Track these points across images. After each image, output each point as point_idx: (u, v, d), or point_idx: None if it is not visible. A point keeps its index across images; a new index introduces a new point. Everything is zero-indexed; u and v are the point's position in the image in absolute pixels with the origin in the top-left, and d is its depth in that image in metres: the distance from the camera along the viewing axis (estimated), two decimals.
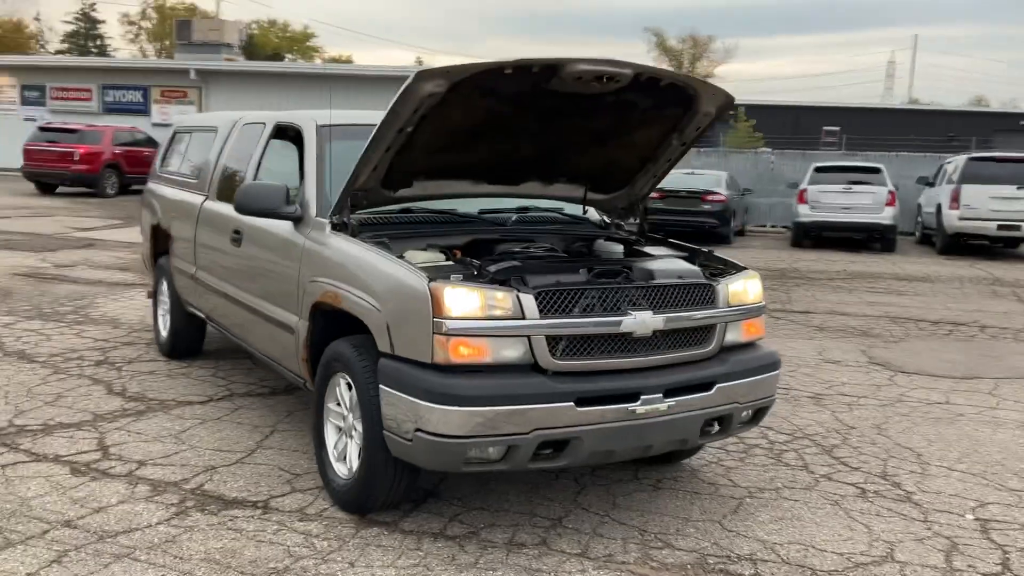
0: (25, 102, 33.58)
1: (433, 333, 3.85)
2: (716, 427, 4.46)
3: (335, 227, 4.67)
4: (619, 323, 4.07)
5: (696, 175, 20.80)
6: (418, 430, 3.84)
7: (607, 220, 5.62)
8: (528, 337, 3.92)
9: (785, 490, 5.00)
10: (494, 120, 4.54)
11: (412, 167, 4.66)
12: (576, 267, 4.23)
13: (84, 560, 3.86)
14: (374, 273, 4.21)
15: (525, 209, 5.37)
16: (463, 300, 3.86)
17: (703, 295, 4.40)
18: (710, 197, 19.73)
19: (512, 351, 3.92)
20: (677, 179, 20.27)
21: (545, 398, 3.88)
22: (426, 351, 3.87)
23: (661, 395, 4.11)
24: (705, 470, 5.28)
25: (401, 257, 4.27)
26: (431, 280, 3.89)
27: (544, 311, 3.94)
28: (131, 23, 75.15)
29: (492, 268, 4.13)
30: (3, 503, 4.42)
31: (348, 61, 67.99)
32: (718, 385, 4.32)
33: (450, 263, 4.31)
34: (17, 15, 72.56)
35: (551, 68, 4.17)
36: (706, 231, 19.35)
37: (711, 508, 4.70)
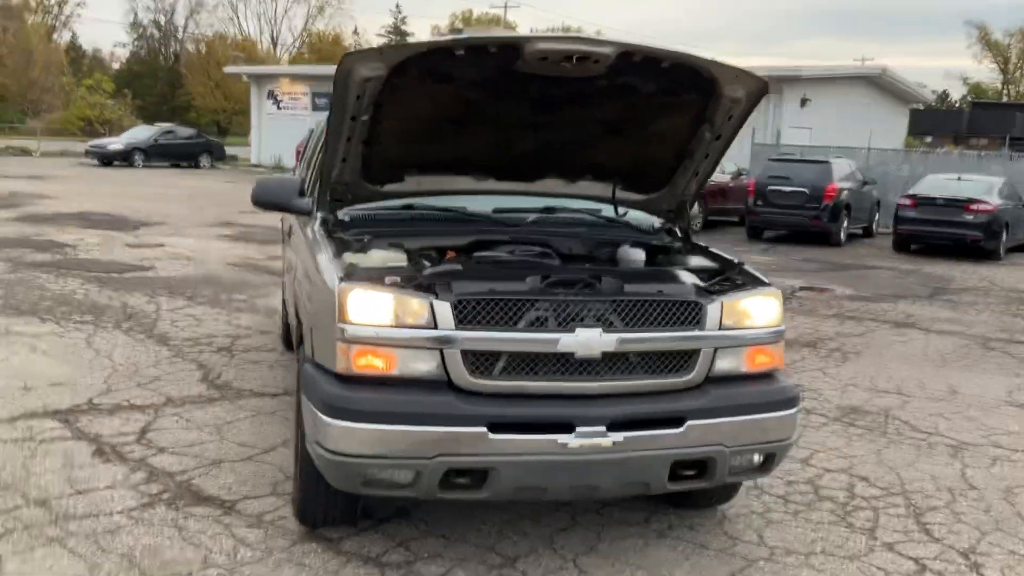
0: (316, 108, 36.67)
1: (336, 339, 3.52)
2: (693, 472, 3.73)
3: (323, 222, 4.46)
4: (555, 341, 3.51)
5: (964, 181, 18.48)
6: (318, 444, 3.53)
7: (656, 224, 4.96)
8: (440, 350, 3.48)
9: (818, 556, 4.13)
10: (472, 108, 4.12)
11: (394, 160, 4.34)
12: (528, 274, 3.70)
13: (18, 540, 3.92)
14: (312, 271, 3.96)
15: (552, 209, 4.85)
16: (370, 305, 3.49)
17: (685, 314, 3.70)
18: (975, 207, 17.44)
19: (423, 365, 3.50)
20: (935, 184, 18.19)
21: (451, 420, 3.42)
22: (332, 359, 3.55)
23: (604, 428, 3.50)
24: (738, 520, 4.50)
25: (360, 254, 3.97)
26: (342, 280, 3.56)
27: (465, 322, 3.48)
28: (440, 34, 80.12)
29: (427, 272, 3.72)
30: (8, 476, 4.63)
31: None
32: (691, 422, 3.61)
33: (401, 265, 3.94)
34: (337, 30, 79.65)
35: (513, 49, 3.69)
36: (967, 244, 17.20)
37: (704, 569, 3.97)
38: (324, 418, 3.46)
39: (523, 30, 53.65)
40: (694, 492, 4.21)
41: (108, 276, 10.65)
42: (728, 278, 4.15)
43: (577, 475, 3.57)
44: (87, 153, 34.89)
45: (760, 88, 4.05)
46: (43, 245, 12.81)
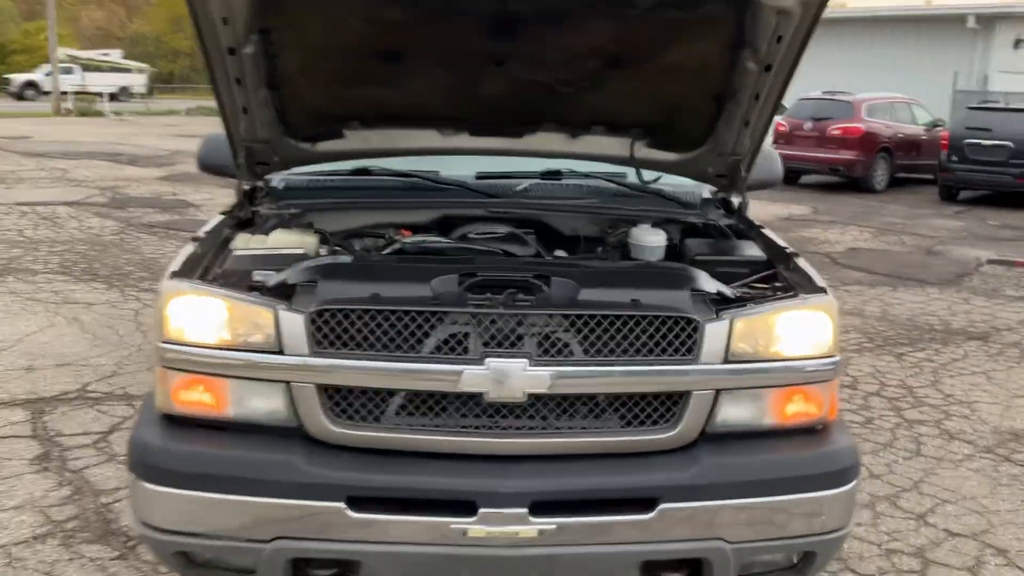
0: None
1: (156, 363, 2.50)
2: None
3: (247, 193, 3.46)
4: (456, 376, 2.34)
5: None
6: (131, 510, 2.55)
7: (705, 195, 3.64)
8: (287, 384, 2.39)
9: None
10: (408, 33, 2.97)
11: (320, 108, 3.26)
12: (443, 273, 2.53)
13: None
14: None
15: (555, 174, 3.62)
16: (198, 315, 2.45)
17: (670, 336, 2.43)
18: None
19: (263, 404, 2.43)
20: None
21: (294, 489, 2.34)
22: (154, 391, 2.55)
23: (524, 510, 2.31)
24: None
25: (257, 238, 2.96)
26: (170, 278, 2.53)
27: (326, 343, 2.37)
28: None
29: (302, 267, 2.62)
30: None
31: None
32: (666, 505, 2.37)
33: (298, 253, 2.87)
34: None
35: None
36: None
37: None
38: (131, 474, 2.46)
39: None
40: None
41: None
42: (766, 278, 2.82)
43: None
44: None
45: None
46: (170, 204, 12.65)
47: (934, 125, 18.51)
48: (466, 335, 2.38)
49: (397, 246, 3.01)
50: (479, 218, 3.34)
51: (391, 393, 2.40)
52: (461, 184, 3.50)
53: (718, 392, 2.46)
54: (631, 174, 3.61)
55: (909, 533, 3.83)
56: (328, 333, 2.37)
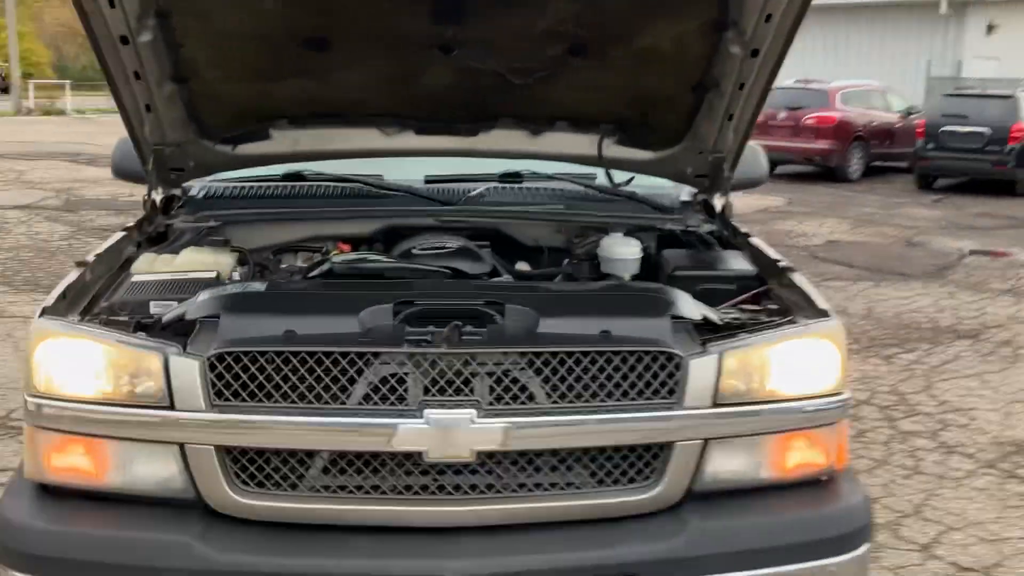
0: None
1: (25, 420, 2.06)
2: None
3: (158, 205, 3.02)
4: (389, 432, 1.91)
5: None
6: None
7: (684, 197, 3.23)
8: (181, 446, 1.95)
9: None
10: (333, 19, 2.53)
11: (237, 105, 2.82)
12: (375, 302, 2.09)
13: None
14: None
15: (514, 177, 3.19)
16: (72, 361, 2.00)
17: (649, 376, 2.01)
18: None
19: (153, 470, 1.99)
20: None
21: None
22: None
23: None
24: None
25: (162, 258, 2.51)
26: (40, 316, 2.08)
27: (228, 395, 1.93)
28: None
29: (201, 299, 2.16)
30: None
31: None
32: None
33: (206, 277, 2.43)
34: None
35: None
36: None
37: None
38: None
39: None
40: None
41: None
42: (757, 297, 2.42)
43: None
44: None
45: None
46: None
47: (908, 112, 18.24)
48: (402, 380, 1.95)
49: (326, 266, 2.57)
50: (428, 228, 2.91)
51: (310, 455, 1.97)
52: (407, 190, 3.07)
53: (706, 442, 2.04)
54: (600, 175, 3.18)
55: (915, 569, 3.45)
56: (231, 382, 1.93)
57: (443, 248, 2.67)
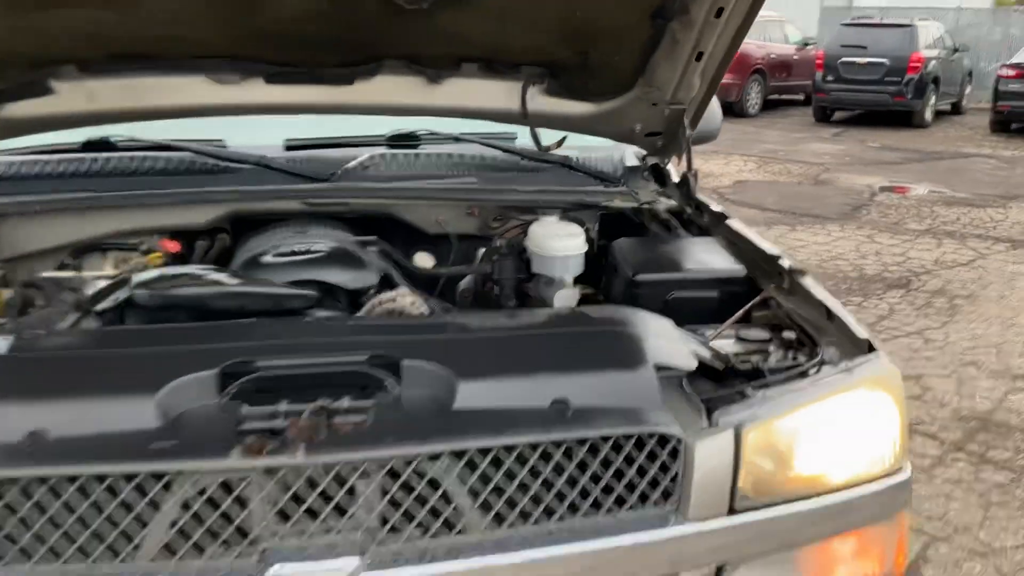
0: None
1: None
2: None
3: None
4: None
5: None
6: None
7: (630, 162, 2.49)
8: None
9: None
10: None
11: (5, 48, 1.92)
12: (206, 360, 1.29)
13: None
14: None
15: (410, 139, 2.39)
16: None
17: (636, 472, 1.27)
18: None
19: None
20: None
21: None
22: None
23: None
24: None
25: None
26: None
27: None
28: None
29: None
30: None
31: None
32: None
33: None
34: None
35: None
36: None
37: None
38: None
39: None
40: None
41: None
42: (754, 311, 1.71)
43: None
44: None
45: None
46: None
47: (805, 44, 17.93)
48: (230, 514, 1.17)
49: (123, 294, 1.71)
50: (291, 214, 2.10)
51: None
52: (259, 161, 2.22)
53: (720, 569, 1.33)
54: (524, 135, 2.41)
55: None
56: None
57: (309, 253, 1.86)
